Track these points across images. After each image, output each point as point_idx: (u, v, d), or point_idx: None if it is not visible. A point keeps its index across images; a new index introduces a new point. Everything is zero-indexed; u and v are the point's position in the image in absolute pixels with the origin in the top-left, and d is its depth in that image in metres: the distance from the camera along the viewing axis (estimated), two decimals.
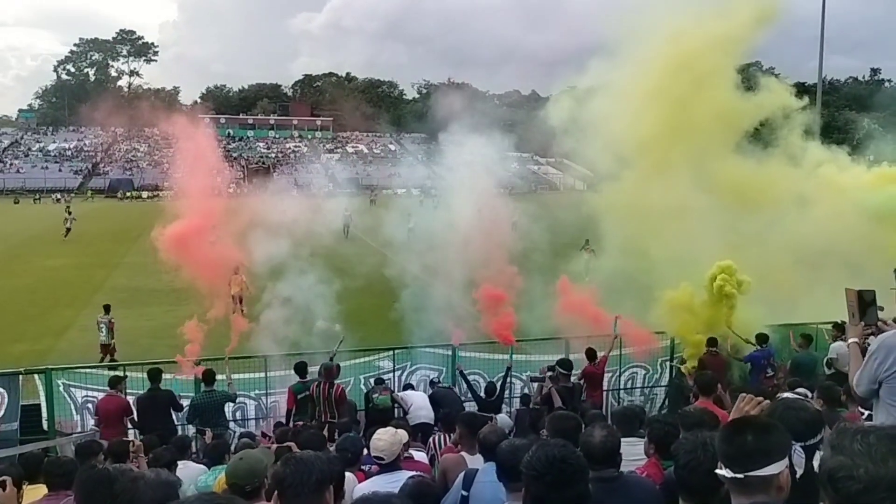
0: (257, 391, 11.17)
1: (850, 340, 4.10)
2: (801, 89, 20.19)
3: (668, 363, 12.64)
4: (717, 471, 2.40)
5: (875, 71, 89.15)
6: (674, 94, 13.75)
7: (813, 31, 49.00)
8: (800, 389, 7.66)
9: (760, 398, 3.25)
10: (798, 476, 2.69)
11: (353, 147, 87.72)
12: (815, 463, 2.89)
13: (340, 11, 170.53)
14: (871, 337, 3.98)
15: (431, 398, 10.51)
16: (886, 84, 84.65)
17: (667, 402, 12.46)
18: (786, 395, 6.10)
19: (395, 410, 10.25)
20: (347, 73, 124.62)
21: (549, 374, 10.05)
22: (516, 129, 17.45)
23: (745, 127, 14.64)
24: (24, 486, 4.47)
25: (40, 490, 5.01)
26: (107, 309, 16.60)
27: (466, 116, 18.54)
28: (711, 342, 10.92)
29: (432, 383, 11.54)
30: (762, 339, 11.27)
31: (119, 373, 10.52)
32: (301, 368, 10.34)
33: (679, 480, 2.87)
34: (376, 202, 40.36)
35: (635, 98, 14.18)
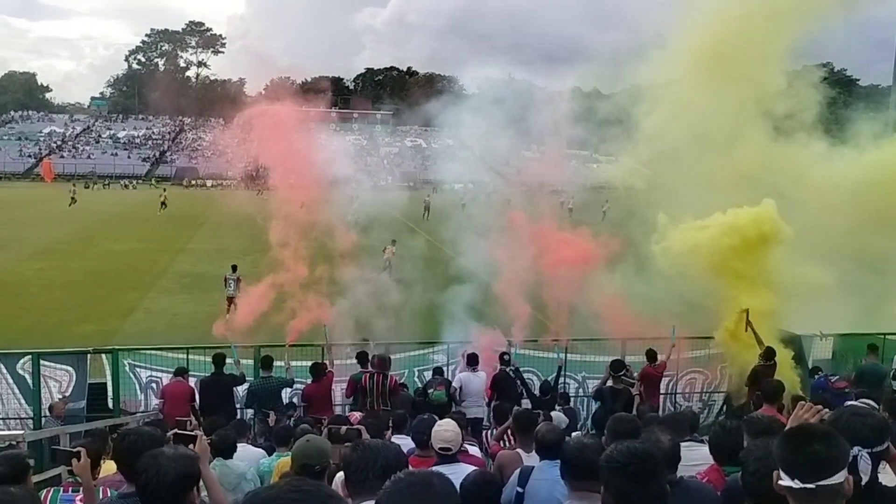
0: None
1: None
2: (874, 91, 19.49)
3: (727, 369, 12.36)
4: (781, 482, 2.35)
5: None
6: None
7: (886, 33, 47.34)
8: (865, 400, 7.42)
9: (819, 406, 3.17)
10: (864, 483, 2.62)
11: (411, 141, 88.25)
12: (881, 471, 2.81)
13: (405, 7, 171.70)
14: None
15: (493, 381, 10.54)
16: None
17: (724, 409, 12.21)
18: (851, 402, 5.91)
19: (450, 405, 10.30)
20: (409, 68, 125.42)
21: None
22: (576, 126, 17.25)
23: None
24: (102, 461, 4.65)
25: (110, 466, 5.21)
26: (234, 268, 19.03)
27: (525, 113, 18.46)
28: (768, 354, 10.55)
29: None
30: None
31: (184, 365, 10.79)
32: (363, 357, 10.49)
33: (747, 487, 2.82)
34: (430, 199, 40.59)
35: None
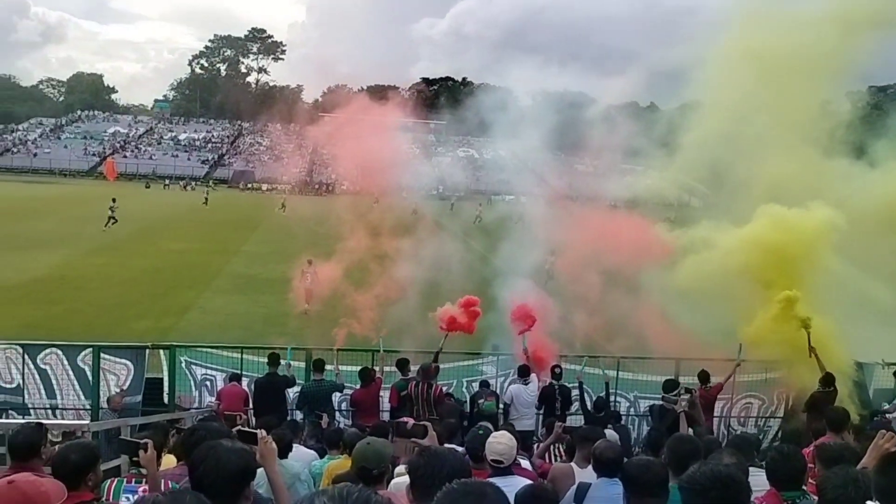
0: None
1: None
2: None
3: (784, 395, 12.04)
4: None
5: None
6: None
7: None
8: None
9: None
10: None
11: (463, 151, 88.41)
12: None
13: (462, 18, 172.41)
14: None
15: (542, 393, 10.50)
16: None
17: (780, 435, 11.88)
18: None
19: (500, 416, 10.27)
20: (464, 78, 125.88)
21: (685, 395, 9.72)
22: (632, 141, 17.13)
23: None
24: (163, 453, 4.76)
25: (170, 459, 5.32)
26: (310, 262, 19.19)
27: (580, 127, 18.35)
28: (828, 380, 10.20)
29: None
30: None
31: (235, 356, 11.00)
32: (403, 365, 10.54)
33: None
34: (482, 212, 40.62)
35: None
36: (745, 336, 10.89)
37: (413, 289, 12.60)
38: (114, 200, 37.56)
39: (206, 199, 54.98)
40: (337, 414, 10.87)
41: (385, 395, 10.98)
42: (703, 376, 10.75)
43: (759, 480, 4.60)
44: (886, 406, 10.91)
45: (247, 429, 4.14)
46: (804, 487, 4.05)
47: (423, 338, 11.47)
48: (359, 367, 10.73)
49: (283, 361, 10.54)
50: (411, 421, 4.31)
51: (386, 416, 10.53)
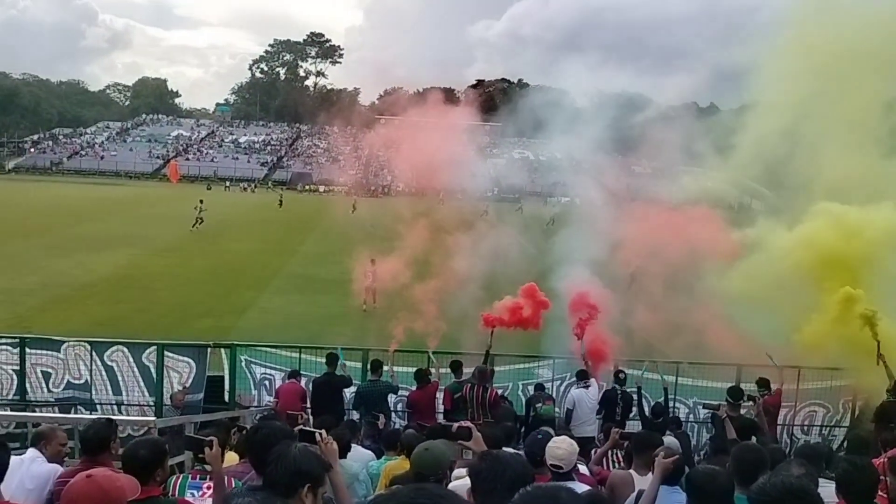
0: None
1: None
2: None
3: (850, 403, 11.64)
4: None
5: None
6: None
7: None
8: None
9: None
10: None
11: (519, 153, 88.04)
12: None
13: (519, 20, 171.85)
14: None
15: (604, 397, 10.44)
16: None
17: (845, 445, 11.48)
18: None
19: (557, 420, 10.19)
20: (520, 80, 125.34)
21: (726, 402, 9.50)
22: (691, 142, 16.80)
23: None
24: (226, 450, 4.86)
25: (232, 457, 5.44)
26: (373, 262, 18.63)
27: (638, 128, 18.11)
28: None
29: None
30: None
31: (296, 368, 11.20)
32: (457, 367, 10.55)
33: None
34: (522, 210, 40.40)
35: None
36: (801, 341, 10.57)
37: (475, 289, 12.55)
38: (201, 202, 39.03)
39: (281, 201, 56.27)
40: (392, 415, 10.94)
41: (441, 397, 11.08)
42: (763, 383, 10.47)
43: (827, 492, 4.46)
44: None
45: (308, 428, 4.18)
46: (875, 501, 3.91)
47: (482, 339, 11.45)
48: (414, 369, 10.80)
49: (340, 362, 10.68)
50: (455, 424, 4.32)
51: (441, 418, 10.60)
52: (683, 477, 3.99)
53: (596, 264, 12.44)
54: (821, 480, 4.53)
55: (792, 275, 11.12)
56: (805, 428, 11.70)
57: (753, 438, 8.28)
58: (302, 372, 11.12)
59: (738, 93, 15.10)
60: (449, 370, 10.76)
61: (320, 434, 3.82)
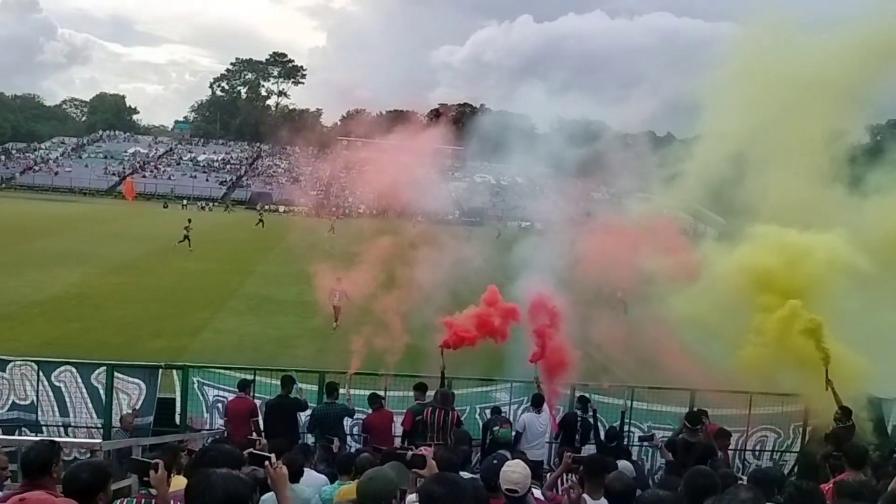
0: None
1: None
2: None
3: (801, 428, 11.85)
4: None
5: None
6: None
7: None
8: None
9: None
10: None
11: (481, 177, 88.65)
12: None
13: (482, 46, 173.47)
14: None
15: (563, 420, 10.45)
16: None
17: (796, 470, 11.67)
18: None
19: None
20: (482, 105, 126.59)
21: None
22: (647, 169, 17.14)
23: None
24: (172, 475, 4.73)
25: (179, 481, 5.30)
26: (339, 280, 18.75)
27: (597, 154, 18.35)
28: (847, 413, 10.02)
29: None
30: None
31: (248, 377, 10.95)
32: (421, 388, 10.49)
33: None
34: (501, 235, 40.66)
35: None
36: (740, 362, 10.78)
37: (439, 310, 12.48)
38: (189, 221, 40.07)
39: (262, 220, 55.23)
40: (348, 438, 10.82)
41: (399, 419, 11.01)
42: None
43: None
44: None
45: (258, 452, 4.09)
46: None
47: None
48: (370, 390, 10.73)
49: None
50: (410, 452, 4.27)
51: (398, 441, 10.51)
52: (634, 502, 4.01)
53: (557, 281, 12.49)
54: None
55: (731, 297, 11.38)
56: (756, 452, 11.87)
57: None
58: (257, 395, 10.92)
59: (692, 122, 15.47)
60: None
61: (269, 458, 3.74)
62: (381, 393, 10.86)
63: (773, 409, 11.69)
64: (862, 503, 3.10)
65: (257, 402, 10.67)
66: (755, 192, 13.56)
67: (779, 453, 11.97)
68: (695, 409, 10.79)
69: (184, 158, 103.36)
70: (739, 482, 4.07)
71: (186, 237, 38.07)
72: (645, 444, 10.84)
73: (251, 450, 4.29)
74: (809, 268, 11.07)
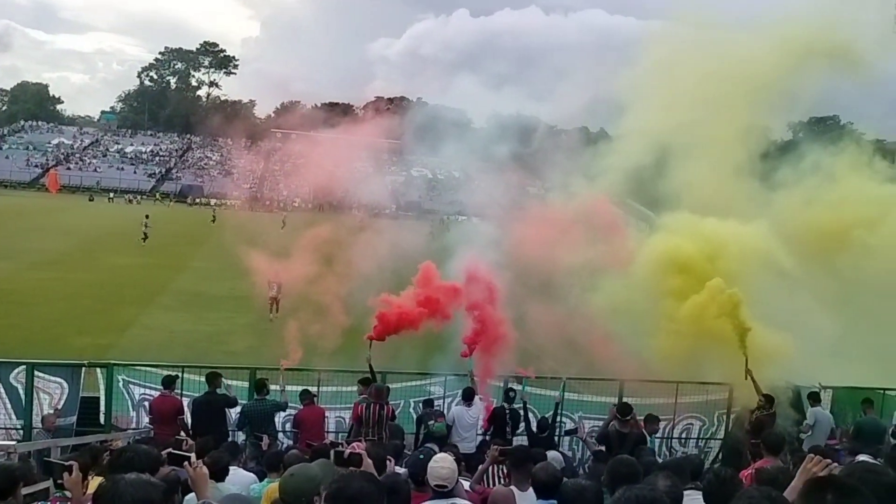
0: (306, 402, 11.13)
1: None
2: (883, 146, 19.75)
3: (724, 416, 12.26)
4: None
5: None
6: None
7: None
8: (862, 456, 7.31)
9: (829, 460, 3.15)
10: None
11: (417, 171, 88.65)
12: None
13: (419, 40, 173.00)
14: None
15: (490, 416, 10.48)
16: None
17: (720, 456, 12.07)
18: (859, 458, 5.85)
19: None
20: (418, 98, 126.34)
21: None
22: (582, 164, 17.38)
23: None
24: (90, 476, 4.58)
25: (99, 482, 5.14)
26: (277, 273, 18.49)
27: (530, 149, 18.55)
28: (769, 401, 10.42)
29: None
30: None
31: (173, 373, 10.69)
32: (366, 382, 10.45)
33: None
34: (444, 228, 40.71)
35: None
36: (657, 349, 11.11)
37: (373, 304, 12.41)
38: (147, 217, 39.98)
39: (214, 216, 53.16)
40: (281, 435, 10.70)
41: (332, 414, 10.95)
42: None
43: (694, 502, 4.65)
44: (803, 425, 11.16)
45: (177, 452, 4.00)
46: None
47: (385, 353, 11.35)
48: (304, 385, 10.66)
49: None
50: (347, 449, 4.22)
51: (332, 437, 10.44)
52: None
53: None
54: (689, 491, 4.72)
55: (650, 284, 11.70)
56: (682, 440, 12.22)
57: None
58: (185, 392, 10.68)
59: (621, 118, 15.80)
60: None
61: (189, 458, 3.66)
62: (314, 389, 10.77)
63: (698, 398, 12.05)
64: (758, 487, 3.21)
65: (185, 399, 10.45)
66: (678, 185, 13.99)
67: (704, 440, 12.34)
68: (624, 399, 11.07)
69: (110, 150, 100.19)
70: (657, 471, 4.16)
71: (145, 234, 38.18)
72: (569, 437, 11.03)
73: (170, 450, 4.18)
74: (725, 255, 11.47)
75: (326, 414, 10.71)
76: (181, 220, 53.09)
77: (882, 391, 11.81)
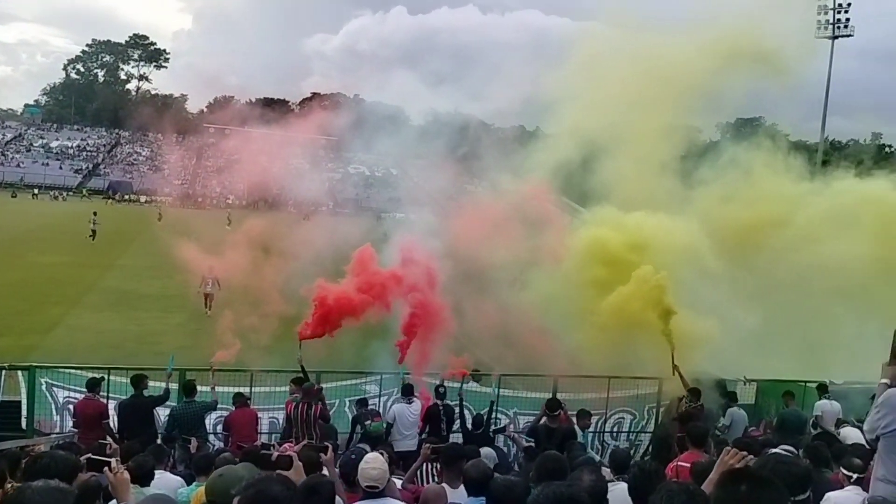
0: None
1: (881, 381, 4.05)
2: (803, 147, 20.58)
3: (654, 409, 12.56)
4: None
5: (876, 136, 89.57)
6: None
7: (818, 92, 50.13)
8: (784, 447, 7.59)
9: (745, 452, 3.25)
10: None
11: (354, 168, 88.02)
12: None
13: (356, 36, 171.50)
14: None
15: (425, 414, 10.46)
16: (887, 149, 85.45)
17: (650, 449, 12.37)
18: (773, 450, 6.06)
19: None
20: (355, 95, 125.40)
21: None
22: (514, 162, 17.57)
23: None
24: (6, 483, 4.40)
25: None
26: (211, 268, 19.14)
27: (469, 147, 18.64)
28: (697, 394, 10.74)
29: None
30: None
31: (97, 375, 10.34)
32: (298, 381, 10.32)
33: None
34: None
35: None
36: (584, 342, 11.35)
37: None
38: (94, 214, 39.02)
39: (160, 214, 50.87)
40: (213, 437, 10.49)
41: (265, 415, 10.79)
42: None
43: (618, 494, 4.75)
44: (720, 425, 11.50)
45: (96, 457, 3.87)
46: None
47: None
48: (236, 386, 10.53)
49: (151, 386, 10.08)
50: (275, 452, 4.16)
51: (265, 438, 10.29)
52: None
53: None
54: (612, 484, 4.83)
55: (576, 277, 11.94)
56: (614, 434, 12.47)
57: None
58: (112, 395, 10.36)
59: (554, 116, 16.05)
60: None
61: (109, 464, 3.55)
62: (247, 390, 10.60)
63: (629, 392, 12.34)
64: (678, 481, 3.32)
65: (112, 402, 10.14)
66: (604, 182, 14.32)
67: (635, 434, 12.62)
68: (558, 394, 11.24)
69: (35, 145, 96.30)
70: (582, 467, 4.24)
71: (93, 231, 37.48)
72: (499, 435, 11.11)
73: (89, 455, 4.05)
74: (649, 248, 11.78)
75: (259, 415, 10.53)
76: (123, 218, 51.34)
77: (803, 384, 12.28)
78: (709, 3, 15.59)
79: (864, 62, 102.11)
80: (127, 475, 3.60)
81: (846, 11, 53.33)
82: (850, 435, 9.49)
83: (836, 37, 53.20)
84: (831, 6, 53.46)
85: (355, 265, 11.43)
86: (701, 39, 14.37)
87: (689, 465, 5.42)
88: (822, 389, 11.55)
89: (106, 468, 3.51)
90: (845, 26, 53.44)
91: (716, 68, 14.16)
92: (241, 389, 10.65)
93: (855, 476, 5.18)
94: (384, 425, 10.26)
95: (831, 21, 53.20)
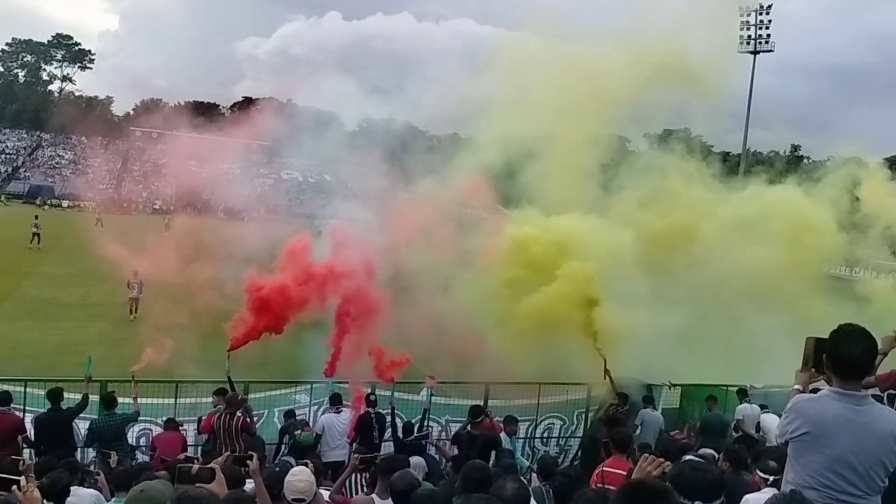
0: (163, 417, 10.53)
1: (794, 386, 4.16)
2: (726, 158, 21.32)
3: (584, 415, 12.75)
4: None
5: (795, 147, 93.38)
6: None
7: (740, 105, 52.06)
8: (706, 451, 7.81)
9: (662, 459, 3.32)
10: None
11: (287, 174, 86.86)
12: None
13: (290, 40, 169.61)
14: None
15: (356, 423, 10.34)
16: (805, 161, 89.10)
17: (580, 454, 12.53)
18: (689, 456, 6.22)
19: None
20: (288, 100, 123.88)
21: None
22: (447, 169, 17.69)
23: None
24: None
25: None
26: (136, 273, 19.86)
27: (403, 154, 18.65)
28: (624, 399, 10.97)
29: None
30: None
31: (13, 388, 9.87)
32: (221, 393, 10.10)
33: None
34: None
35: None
36: (506, 343, 11.47)
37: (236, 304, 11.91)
38: (36, 217, 38.70)
39: (99, 219, 47.10)
40: (136, 451, 10.16)
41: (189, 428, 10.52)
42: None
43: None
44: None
45: (4, 476, 3.69)
46: None
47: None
48: (160, 397, 10.32)
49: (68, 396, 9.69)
50: (196, 466, 4.04)
51: (190, 450, 10.03)
52: None
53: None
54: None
55: (501, 278, 12.08)
56: (544, 440, 12.60)
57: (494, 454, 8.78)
58: (28, 408, 9.92)
59: (482, 123, 16.24)
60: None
61: (17, 482, 3.39)
62: (171, 402, 10.34)
63: (559, 398, 12.49)
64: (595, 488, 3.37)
65: (29, 416, 9.69)
66: (529, 187, 14.57)
67: (564, 439, 12.78)
68: (490, 400, 11.30)
69: None
70: (505, 475, 4.27)
71: (36, 234, 36.51)
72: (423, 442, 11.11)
73: None
74: (573, 251, 12.00)
75: (184, 427, 10.25)
76: (27, 222, 49.24)
77: (725, 387, 12.65)
78: (635, 18, 16.01)
79: (783, 77, 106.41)
80: (37, 493, 3.44)
81: (767, 28, 55.53)
82: (769, 420, 9.87)
83: (758, 52, 55.33)
84: (753, 22, 55.56)
85: (289, 255, 11.22)
86: (628, 53, 14.77)
87: (613, 470, 5.50)
88: (742, 394, 11.91)
89: (14, 486, 3.35)
90: (766, 41, 55.61)
91: (642, 80, 14.56)
92: (166, 401, 10.36)
93: (771, 478, 5.34)
94: (314, 435, 10.13)
95: (753, 37, 55.28)
